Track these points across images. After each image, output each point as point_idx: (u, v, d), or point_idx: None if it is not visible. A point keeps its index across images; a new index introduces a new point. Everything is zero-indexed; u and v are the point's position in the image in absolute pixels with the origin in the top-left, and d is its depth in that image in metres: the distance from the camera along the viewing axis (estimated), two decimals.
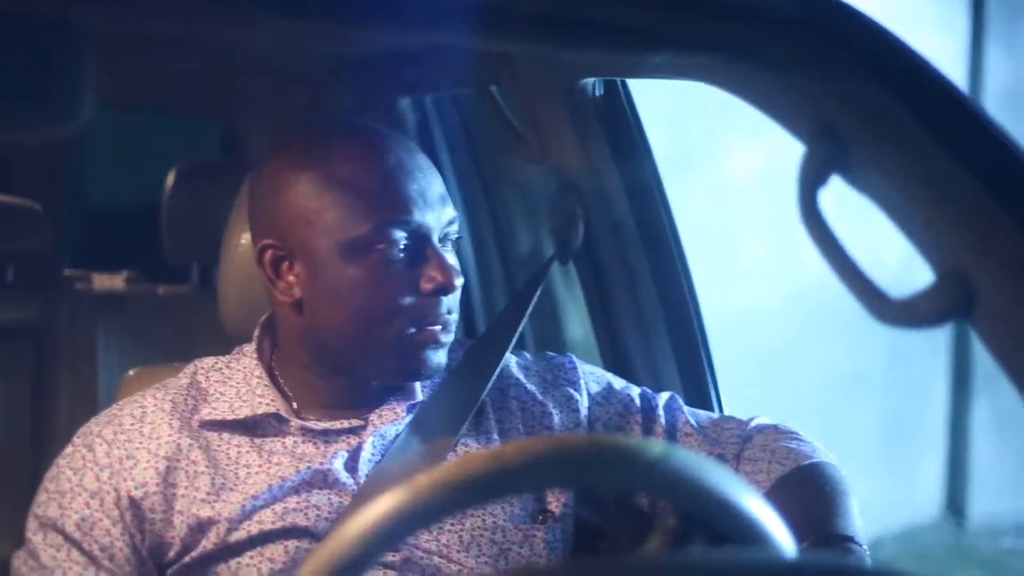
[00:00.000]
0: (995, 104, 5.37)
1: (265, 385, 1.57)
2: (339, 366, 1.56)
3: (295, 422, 1.55)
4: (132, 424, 1.55)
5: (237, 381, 1.59)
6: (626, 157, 1.86)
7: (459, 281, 1.51)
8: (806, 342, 5.10)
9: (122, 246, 2.89)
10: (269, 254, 1.53)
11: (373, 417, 1.57)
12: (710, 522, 1.01)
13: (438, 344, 1.53)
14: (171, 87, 2.74)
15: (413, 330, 1.51)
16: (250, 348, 1.62)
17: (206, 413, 1.56)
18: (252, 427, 1.56)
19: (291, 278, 1.53)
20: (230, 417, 1.55)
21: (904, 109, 0.99)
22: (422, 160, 1.55)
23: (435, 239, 1.52)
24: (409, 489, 0.97)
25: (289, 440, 1.55)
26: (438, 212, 1.52)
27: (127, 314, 2.67)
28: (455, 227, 1.55)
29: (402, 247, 1.49)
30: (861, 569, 1.23)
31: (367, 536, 0.97)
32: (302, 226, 1.50)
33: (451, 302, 1.53)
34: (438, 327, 1.52)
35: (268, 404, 1.55)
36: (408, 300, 1.50)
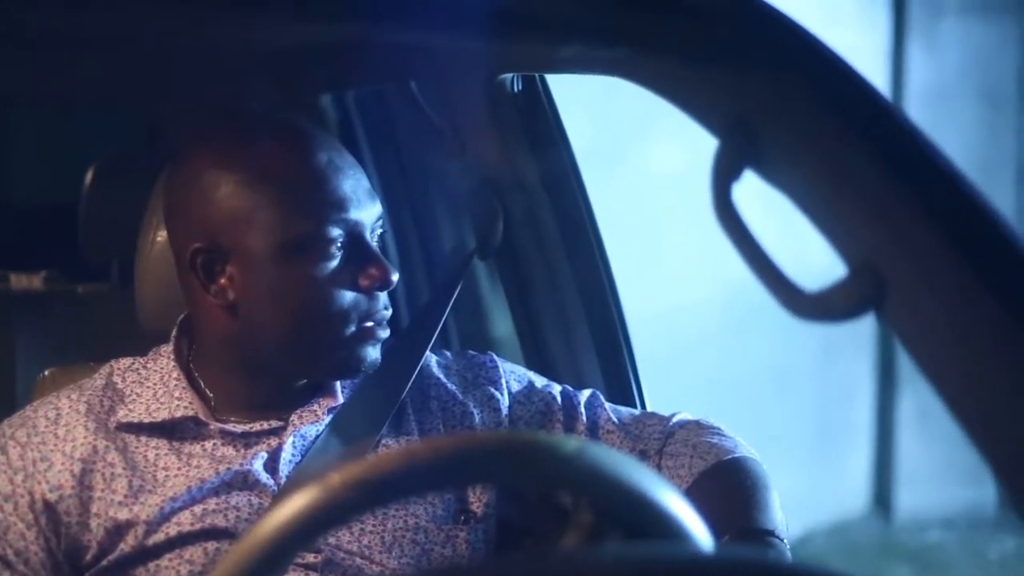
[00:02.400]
0: (916, 102, 5.43)
1: (183, 387, 1.55)
2: (270, 367, 1.55)
3: (214, 425, 1.53)
4: (46, 426, 1.52)
5: (154, 383, 1.57)
6: (545, 152, 1.86)
7: (395, 276, 1.51)
8: (733, 338, 5.13)
9: (41, 244, 2.84)
10: (200, 259, 1.50)
11: (293, 418, 1.55)
12: (626, 518, 1.01)
13: (377, 340, 1.53)
14: (89, 82, 2.69)
15: (353, 328, 1.51)
16: (167, 349, 1.60)
17: (122, 415, 1.53)
18: (170, 430, 1.54)
19: (223, 281, 1.50)
20: (147, 420, 1.53)
21: (816, 103, 1.00)
22: (348, 157, 1.55)
23: (368, 235, 1.51)
24: (322, 488, 0.97)
25: (208, 443, 1.53)
26: (369, 209, 1.52)
27: (46, 313, 2.63)
28: (380, 222, 1.54)
29: (339, 245, 1.49)
30: (778, 563, 1.23)
31: (280, 536, 0.96)
32: (236, 227, 1.48)
33: (385, 298, 1.53)
34: (377, 324, 1.52)
35: (186, 407, 1.53)
36: (349, 298, 1.49)
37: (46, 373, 1.81)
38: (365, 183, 1.53)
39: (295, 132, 1.54)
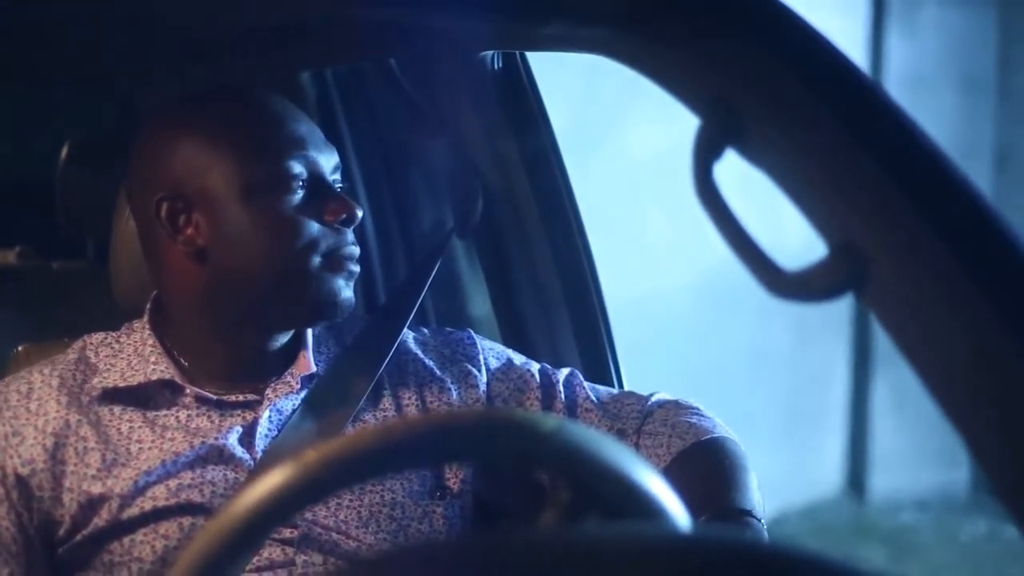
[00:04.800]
0: (895, 88, 5.44)
1: (159, 353, 1.55)
2: (245, 318, 1.54)
3: (190, 389, 1.53)
4: (18, 400, 1.52)
5: (128, 353, 1.57)
6: (525, 131, 1.86)
7: (360, 212, 1.52)
8: (711, 319, 5.14)
9: (15, 220, 2.82)
10: (164, 207, 1.51)
11: (268, 391, 1.55)
12: (604, 496, 1.01)
13: (349, 275, 1.53)
14: (66, 60, 2.68)
15: (324, 261, 1.51)
16: (140, 323, 1.60)
17: (97, 383, 1.53)
18: (144, 400, 1.53)
19: (190, 230, 1.51)
20: (122, 385, 1.53)
21: (799, 83, 0.99)
22: (304, 114, 1.58)
23: (328, 177, 1.53)
24: (298, 464, 0.96)
25: (183, 414, 1.53)
26: (327, 154, 1.54)
27: (20, 290, 2.62)
28: (338, 175, 1.56)
29: (302, 183, 1.50)
30: (756, 543, 1.23)
31: (256, 513, 0.96)
32: (200, 174, 1.49)
33: (352, 235, 1.54)
34: (347, 258, 1.52)
35: (162, 371, 1.53)
36: (315, 229, 1.50)
37: (20, 349, 1.80)
38: (321, 135, 1.56)
39: (250, 90, 1.59)
